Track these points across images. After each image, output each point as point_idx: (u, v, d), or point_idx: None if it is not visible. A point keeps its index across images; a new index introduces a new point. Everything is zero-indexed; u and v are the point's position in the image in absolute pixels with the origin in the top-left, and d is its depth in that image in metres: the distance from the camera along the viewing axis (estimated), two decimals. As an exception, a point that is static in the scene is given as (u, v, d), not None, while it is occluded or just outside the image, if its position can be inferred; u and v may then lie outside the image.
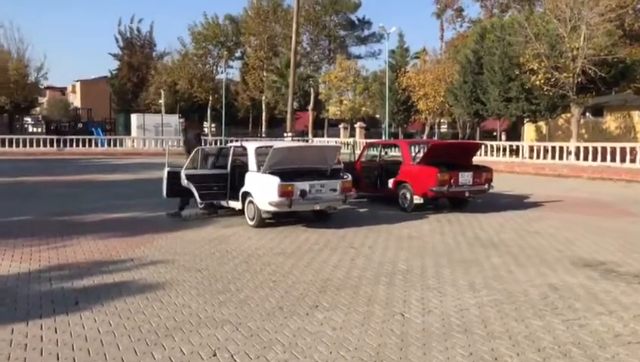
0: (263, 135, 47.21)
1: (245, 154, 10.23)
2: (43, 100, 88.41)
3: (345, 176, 9.93)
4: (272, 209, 9.25)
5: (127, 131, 43.64)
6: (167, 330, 4.77)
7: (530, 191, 15.71)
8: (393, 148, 13.28)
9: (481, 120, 33.65)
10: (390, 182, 12.10)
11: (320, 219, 10.26)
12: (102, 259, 7.35)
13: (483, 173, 11.65)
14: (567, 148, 24.82)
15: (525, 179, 20.80)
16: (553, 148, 25.16)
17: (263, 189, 9.38)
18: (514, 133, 39.45)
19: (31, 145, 35.98)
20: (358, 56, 55.04)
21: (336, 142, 25.36)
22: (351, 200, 11.91)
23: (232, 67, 63.82)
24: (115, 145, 39.28)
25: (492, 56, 29.45)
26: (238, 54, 57.20)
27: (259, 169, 9.60)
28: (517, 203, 13.55)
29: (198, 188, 10.10)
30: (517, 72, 26.99)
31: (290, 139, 24.03)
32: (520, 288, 6.16)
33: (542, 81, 25.19)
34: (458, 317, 5.16)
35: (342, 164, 11.32)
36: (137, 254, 7.63)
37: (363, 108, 45.14)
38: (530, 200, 14.16)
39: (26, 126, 74.75)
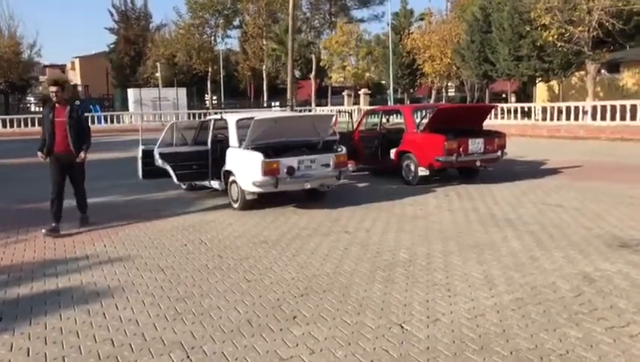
0: (264, 105, 45.78)
1: (227, 128, 9.07)
2: (43, 78, 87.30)
3: (339, 150, 8.76)
4: (255, 190, 8.14)
5: (125, 107, 42.44)
6: (97, 361, 3.72)
7: (545, 156, 14.47)
8: (396, 115, 12.05)
9: (490, 81, 32.03)
10: (392, 153, 10.93)
11: (313, 198, 9.16)
12: (53, 257, 6.30)
13: (495, 138, 10.43)
14: (583, 107, 23.39)
15: (539, 143, 19.51)
16: (568, 108, 23.71)
17: (245, 168, 8.26)
18: (524, 94, 37.82)
19: (26, 125, 34.91)
20: (361, 20, 53.08)
21: (331, 111, 23.95)
22: (350, 175, 10.80)
23: (230, 37, 62.09)
24: (112, 122, 38.14)
25: (501, 12, 27.73)
26: (236, 23, 55.39)
27: (240, 144, 8.45)
28: (533, 170, 12.34)
29: (175, 168, 8.98)
30: (528, 29, 25.31)
31: (278, 109, 22.70)
32: (547, 281, 5.04)
33: (555, 37, 23.57)
34: (472, 328, 4.06)
35: (337, 135, 10.14)
36: (96, 249, 6.58)
37: (367, 74, 43.49)
38: (547, 166, 12.94)
39: (28, 105, 73.42)
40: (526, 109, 26.63)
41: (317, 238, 6.81)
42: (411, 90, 47.89)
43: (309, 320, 4.28)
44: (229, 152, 8.69)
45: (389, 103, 37.59)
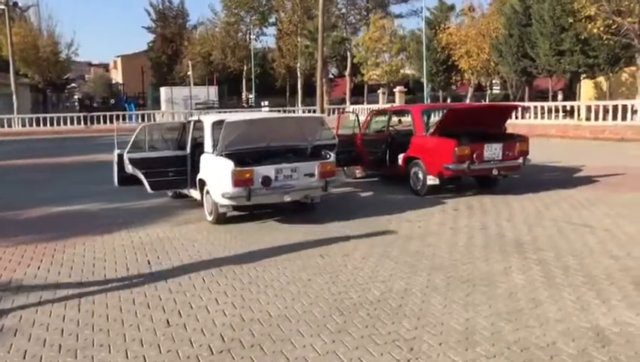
0: (298, 105, 44.88)
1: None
2: (89, 77, 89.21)
3: (327, 156, 7.67)
4: (226, 202, 7.14)
5: (158, 105, 42.41)
6: None
7: (583, 162, 12.89)
8: (407, 116, 10.85)
9: (531, 78, 30.08)
10: (400, 158, 9.74)
11: (302, 209, 8.11)
12: (-28, 282, 5.47)
13: (516, 143, 9.10)
14: (632, 106, 21.40)
15: (579, 146, 17.84)
16: (615, 107, 21.71)
17: (215, 176, 7.29)
18: (571, 92, 35.58)
19: (58, 124, 35.12)
20: (399, 15, 51.38)
21: (369, 109, 22.61)
22: (357, 180, 9.77)
23: (265, 34, 61.47)
24: (143, 120, 38.00)
25: (542, 3, 25.87)
26: (272, 20, 54.72)
27: (215, 150, 7.47)
28: (564, 178, 10.90)
29: (148, 175, 8.07)
30: (571, 21, 23.43)
31: (267, 109, 21.63)
32: (545, 338, 3.84)
33: (601, 29, 21.64)
34: (422, 418, 2.93)
35: (336, 139, 9.07)
36: (26, 272, 5.72)
37: (401, 71, 41.94)
38: (583, 173, 11.45)
39: (76, 104, 74.82)
40: (568, 108, 24.72)
41: (282, 264, 5.76)
42: (454, 87, 45.97)
43: (210, 394, 3.24)
44: (202, 158, 7.74)
45: (425, 101, 36.05)
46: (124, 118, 37.46)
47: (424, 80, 32.28)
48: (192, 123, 8.51)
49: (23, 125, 34.99)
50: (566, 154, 14.73)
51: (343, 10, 48.20)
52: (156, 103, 43.50)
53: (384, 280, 5.16)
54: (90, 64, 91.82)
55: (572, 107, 25.06)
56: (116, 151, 8.48)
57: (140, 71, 62.32)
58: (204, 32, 54.87)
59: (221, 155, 7.25)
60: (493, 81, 46.16)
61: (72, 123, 35.48)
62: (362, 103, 44.95)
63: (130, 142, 8.24)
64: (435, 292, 4.81)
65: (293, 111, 41.83)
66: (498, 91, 50.11)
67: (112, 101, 50.82)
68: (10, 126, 34.38)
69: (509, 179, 10.06)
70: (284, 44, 49.71)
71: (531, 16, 26.73)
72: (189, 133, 8.43)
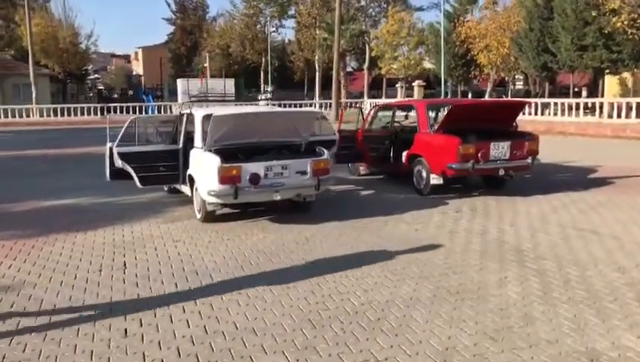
0: (316, 98, 44.49)
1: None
2: (110, 68, 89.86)
3: (321, 153, 7.30)
4: (212, 200, 6.83)
5: (176, 97, 42.36)
6: None
7: (600, 162, 12.32)
8: (413, 111, 10.40)
9: (552, 74, 29.21)
10: (404, 156, 9.34)
11: (297, 207, 7.77)
12: (-63, 281, 5.25)
13: (525, 142, 8.62)
14: (657, 103, 20.56)
15: (599, 144, 17.15)
16: (638, 104, 20.94)
17: (203, 173, 6.98)
18: (596, 89, 34.54)
19: (75, 114, 35.29)
20: (420, 8, 50.66)
21: (372, 104, 22.10)
22: (360, 178, 9.36)
23: (284, 27, 61.02)
24: (160, 112, 37.97)
25: (564, -4, 25.08)
26: (291, 12, 54.33)
27: (204, 144, 7.16)
28: (577, 179, 10.37)
29: (137, 170, 7.80)
30: (594, 14, 22.63)
31: (265, 103, 21.20)
32: (532, 363, 3.45)
33: (625, 23, 20.84)
34: None
35: (336, 135, 8.71)
36: (-5, 272, 5.48)
37: (421, 65, 41.21)
38: (597, 174, 10.89)
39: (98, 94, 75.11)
40: (590, 105, 23.91)
41: (264, 269, 5.43)
42: (475, 82, 44.94)
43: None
44: (192, 153, 7.43)
45: (443, 96, 35.38)
46: (141, 110, 37.49)
47: (442, 74, 31.55)
48: (185, 116, 8.20)
49: (41, 115, 35.27)
50: (584, 153, 14.13)
51: (363, 3, 47.58)
52: (174, 95, 43.47)
53: (367, 289, 4.80)
54: (113, 55, 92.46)
55: (594, 104, 24.27)
56: (108, 145, 8.22)
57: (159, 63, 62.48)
58: (223, 24, 54.69)
59: (209, 151, 6.94)
60: (517, 77, 45.10)
61: (89, 114, 35.61)
62: (381, 97, 44.39)
63: (120, 136, 7.96)
64: (418, 305, 4.43)
65: (311, 105, 41.49)
66: (521, 87, 49.05)
67: (131, 92, 50.95)
68: (28, 116, 34.69)
69: (518, 180, 9.60)
70: (302, 36, 49.31)
71: (553, 9, 25.89)
72: (183, 126, 8.14)
